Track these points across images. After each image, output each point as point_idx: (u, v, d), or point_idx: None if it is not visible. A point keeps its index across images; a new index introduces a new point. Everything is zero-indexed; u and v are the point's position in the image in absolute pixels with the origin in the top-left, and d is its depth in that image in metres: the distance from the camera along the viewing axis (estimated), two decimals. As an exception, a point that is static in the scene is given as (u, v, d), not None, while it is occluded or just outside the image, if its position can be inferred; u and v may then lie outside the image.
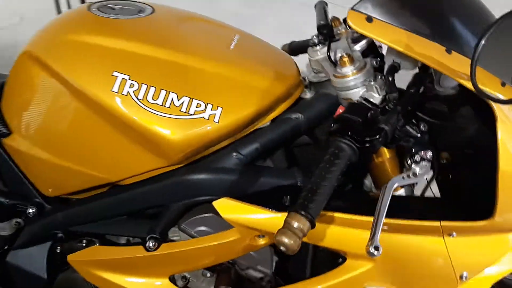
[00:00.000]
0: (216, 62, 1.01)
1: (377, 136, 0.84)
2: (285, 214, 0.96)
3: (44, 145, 1.06)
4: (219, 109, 0.95)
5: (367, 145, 0.84)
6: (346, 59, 0.97)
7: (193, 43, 1.04)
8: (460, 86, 0.93)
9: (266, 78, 1.04)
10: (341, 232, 0.99)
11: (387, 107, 0.91)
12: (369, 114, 0.89)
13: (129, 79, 0.94)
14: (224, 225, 1.04)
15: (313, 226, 0.76)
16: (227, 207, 1.00)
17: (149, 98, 0.93)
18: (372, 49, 1.09)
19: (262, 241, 1.04)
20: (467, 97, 0.93)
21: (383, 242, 0.97)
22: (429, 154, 0.91)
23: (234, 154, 1.01)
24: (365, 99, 0.93)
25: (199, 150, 0.98)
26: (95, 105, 0.95)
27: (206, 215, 1.07)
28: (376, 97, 0.94)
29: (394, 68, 0.94)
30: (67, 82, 0.97)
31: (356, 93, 0.97)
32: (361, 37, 1.07)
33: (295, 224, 0.74)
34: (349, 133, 0.84)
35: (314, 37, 1.09)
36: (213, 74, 0.99)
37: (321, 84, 1.11)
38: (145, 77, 0.94)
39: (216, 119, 0.95)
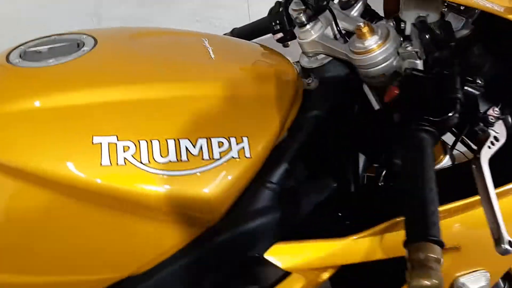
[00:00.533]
0: (211, 81, 0.77)
1: (454, 109, 0.69)
2: (352, 236, 0.81)
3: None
4: (245, 139, 0.72)
5: (446, 123, 0.69)
6: (366, 29, 0.79)
7: (172, 66, 0.78)
8: (474, 23, 0.83)
9: (269, 81, 0.83)
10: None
11: (445, 71, 0.75)
12: (429, 86, 0.73)
13: (118, 140, 0.66)
14: (274, 275, 0.83)
15: (442, 246, 0.59)
16: (283, 254, 0.79)
17: (157, 157, 0.67)
18: (367, 12, 0.92)
19: (326, 275, 0.85)
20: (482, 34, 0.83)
21: (462, 225, 0.85)
22: (497, 109, 0.78)
23: (267, 185, 0.79)
24: (415, 70, 0.76)
25: (235, 199, 0.75)
26: (79, 193, 0.66)
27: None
28: (418, 64, 0.79)
29: (425, 24, 0.79)
30: (20, 173, 0.66)
31: (389, 66, 0.80)
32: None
33: (426, 256, 0.56)
34: (422, 116, 0.68)
35: (302, 14, 0.89)
36: (216, 98, 0.75)
37: (322, 68, 0.92)
38: (138, 130, 0.68)
39: (247, 154, 0.72)
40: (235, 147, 0.71)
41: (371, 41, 0.79)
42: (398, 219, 0.80)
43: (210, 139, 0.70)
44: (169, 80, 0.73)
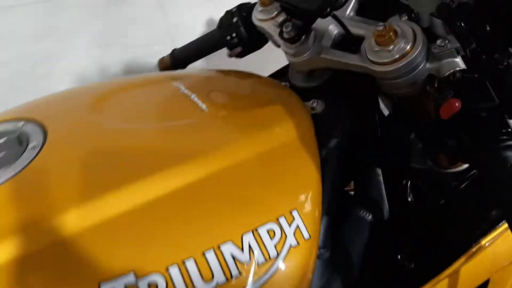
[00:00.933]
0: (223, 149, 0.56)
1: None
2: (428, 284, 0.67)
3: None
4: (295, 214, 0.53)
5: None
6: (391, 33, 0.63)
7: (164, 143, 0.56)
8: None
9: (283, 121, 0.65)
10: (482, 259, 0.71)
11: (501, 66, 0.61)
12: (490, 88, 0.59)
13: (137, 277, 0.44)
14: None
15: None
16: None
17: (199, 283, 0.46)
18: (363, 9, 0.76)
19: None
20: None
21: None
22: None
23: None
24: (464, 71, 0.62)
25: None
26: None
27: None
28: (459, 62, 0.64)
29: (454, 11, 0.64)
30: None
31: (422, 72, 0.65)
32: None
33: None
34: (500, 130, 0.55)
35: (290, 28, 0.70)
36: (239, 170, 0.55)
37: (326, 86, 0.75)
38: (161, 253, 0.46)
39: (305, 234, 0.53)
40: (289, 231, 0.52)
41: (398, 47, 0.63)
42: (473, 249, 0.67)
43: (257, 231, 0.50)
44: (171, 166, 0.51)
